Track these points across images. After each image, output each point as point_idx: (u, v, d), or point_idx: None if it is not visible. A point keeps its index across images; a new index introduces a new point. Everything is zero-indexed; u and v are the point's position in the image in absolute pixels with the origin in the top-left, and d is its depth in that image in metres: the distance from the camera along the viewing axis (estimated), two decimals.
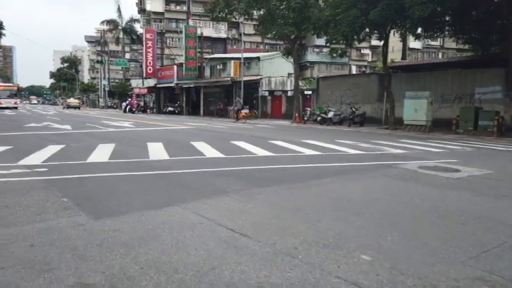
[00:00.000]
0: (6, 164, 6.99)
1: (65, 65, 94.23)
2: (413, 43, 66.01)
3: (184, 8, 57.37)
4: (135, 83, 50.46)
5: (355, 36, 19.29)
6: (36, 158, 7.81)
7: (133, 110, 40.00)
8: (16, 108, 40.76)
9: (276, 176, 6.39)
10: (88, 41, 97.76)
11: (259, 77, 31.79)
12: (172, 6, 57.44)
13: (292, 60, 38.57)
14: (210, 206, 4.42)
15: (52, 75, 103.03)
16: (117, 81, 75.00)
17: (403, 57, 28.27)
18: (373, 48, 65.02)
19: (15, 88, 45.14)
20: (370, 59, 68.80)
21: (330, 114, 22.42)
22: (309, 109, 24.47)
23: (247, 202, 4.63)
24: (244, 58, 30.62)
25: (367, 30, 19.54)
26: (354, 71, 65.46)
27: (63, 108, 54.32)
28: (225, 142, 11.41)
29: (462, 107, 17.76)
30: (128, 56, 63.87)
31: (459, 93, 19.41)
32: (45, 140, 11.46)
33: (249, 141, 11.68)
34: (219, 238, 3.39)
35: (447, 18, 18.02)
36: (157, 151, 9.01)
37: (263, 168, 7.07)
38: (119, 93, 58.02)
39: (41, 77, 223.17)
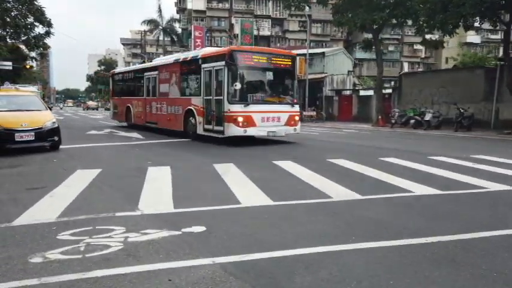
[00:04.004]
0: (122, 214, 4.15)
1: (102, 67, 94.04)
2: (471, 37, 60.86)
3: (227, 6, 54.80)
4: None
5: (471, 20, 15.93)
6: (156, 196, 4.97)
7: None
8: None
9: None
10: (124, 44, 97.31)
11: (324, 75, 28.55)
12: (214, 4, 55.00)
13: (350, 55, 35.55)
14: None
15: (89, 78, 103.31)
16: None
17: None
18: None
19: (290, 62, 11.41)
20: (423, 55, 63.86)
21: (428, 117, 18.85)
22: (396, 110, 20.98)
23: None
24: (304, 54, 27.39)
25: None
26: (406, 68, 60.94)
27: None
28: (372, 159, 8.24)
29: None
30: None
31: None
32: (131, 156, 8.74)
33: (402, 157, 8.51)
34: None
35: None
36: (317, 181, 5.99)
37: None
38: None
39: (75, 80, 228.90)
